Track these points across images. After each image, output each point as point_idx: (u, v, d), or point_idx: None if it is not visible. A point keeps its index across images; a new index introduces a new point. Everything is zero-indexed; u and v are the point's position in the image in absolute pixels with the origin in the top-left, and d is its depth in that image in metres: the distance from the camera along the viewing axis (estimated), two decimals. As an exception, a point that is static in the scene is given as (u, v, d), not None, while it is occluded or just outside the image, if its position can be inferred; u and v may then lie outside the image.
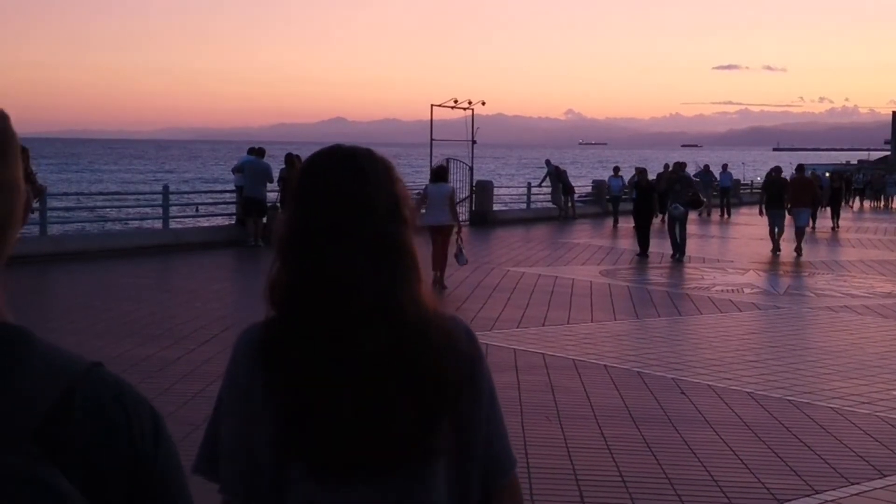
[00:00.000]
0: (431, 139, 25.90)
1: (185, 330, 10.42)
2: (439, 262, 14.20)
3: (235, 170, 21.05)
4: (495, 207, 28.40)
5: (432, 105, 25.84)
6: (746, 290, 15.02)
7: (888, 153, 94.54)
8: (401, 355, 1.68)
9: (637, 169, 22.65)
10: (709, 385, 8.60)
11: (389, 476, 1.69)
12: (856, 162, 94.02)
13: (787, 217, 20.91)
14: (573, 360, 9.50)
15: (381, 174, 1.76)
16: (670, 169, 22.64)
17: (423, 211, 14.52)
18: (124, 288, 13.83)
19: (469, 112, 26.61)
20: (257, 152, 20.37)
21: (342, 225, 1.70)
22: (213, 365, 8.58)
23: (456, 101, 26.21)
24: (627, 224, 25.66)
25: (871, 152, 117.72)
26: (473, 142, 26.69)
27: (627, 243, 22.09)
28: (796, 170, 22.27)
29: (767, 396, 8.24)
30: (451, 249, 14.38)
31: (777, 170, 21.61)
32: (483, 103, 26.38)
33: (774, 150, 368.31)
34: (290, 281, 1.71)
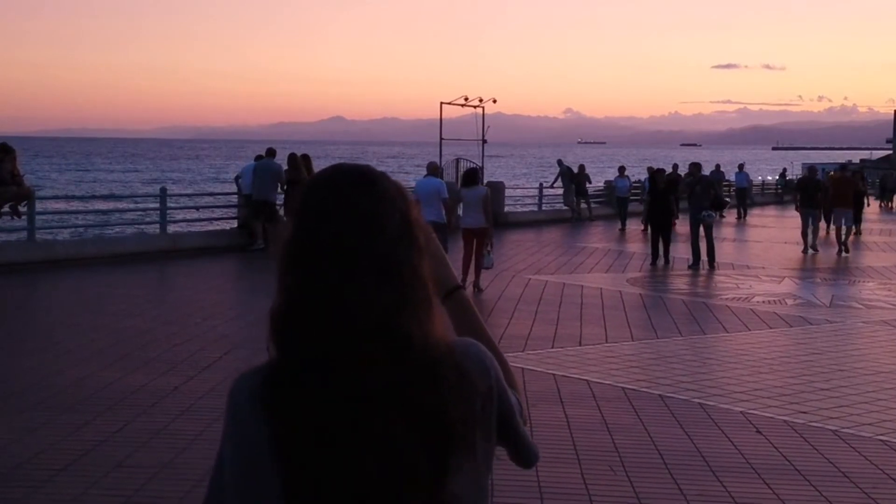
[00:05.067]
0: (441, 138, 24.81)
1: (182, 352, 9.29)
2: (468, 266, 13.93)
3: (237, 178, 20.34)
4: (506, 209, 27.36)
5: (441, 103, 24.76)
6: (789, 302, 13.91)
7: (889, 152, 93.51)
8: (405, 394, 1.50)
9: (656, 169, 21.45)
10: (784, 421, 7.49)
11: None
12: (857, 161, 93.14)
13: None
14: (623, 388, 8.40)
15: (394, 194, 1.60)
16: (686, 172, 21.32)
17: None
18: (117, 300, 12.70)
19: (475, 110, 25.56)
20: (268, 153, 19.36)
21: (348, 243, 1.53)
22: (214, 398, 7.48)
23: (466, 99, 25.12)
24: (638, 227, 24.64)
25: (874, 151, 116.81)
26: (484, 141, 25.61)
27: (645, 248, 21.00)
28: (839, 168, 21.38)
29: (856, 436, 7.13)
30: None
31: (812, 170, 20.68)
32: (494, 101, 25.33)
33: (774, 148, 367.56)
34: (288, 304, 1.53)
